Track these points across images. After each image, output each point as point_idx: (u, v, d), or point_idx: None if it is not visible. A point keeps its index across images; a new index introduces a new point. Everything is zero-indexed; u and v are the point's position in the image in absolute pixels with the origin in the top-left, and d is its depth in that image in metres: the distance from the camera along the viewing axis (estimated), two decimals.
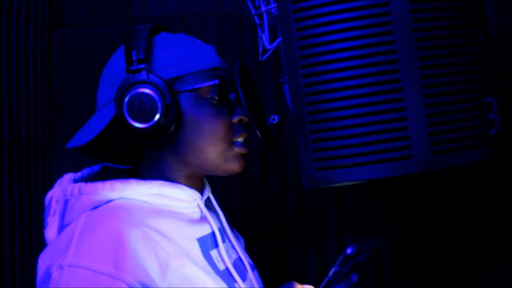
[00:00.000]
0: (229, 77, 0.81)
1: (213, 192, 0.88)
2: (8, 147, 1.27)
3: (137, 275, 0.64)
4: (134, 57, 0.72)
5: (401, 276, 1.46)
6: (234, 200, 1.48)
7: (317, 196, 1.48)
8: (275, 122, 0.81)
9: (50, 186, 0.79)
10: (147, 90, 0.72)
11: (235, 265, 0.81)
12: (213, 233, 0.79)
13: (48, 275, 0.67)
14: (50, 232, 0.74)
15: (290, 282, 0.88)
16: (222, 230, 0.84)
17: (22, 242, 1.32)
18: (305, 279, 1.49)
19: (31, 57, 1.41)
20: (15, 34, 1.33)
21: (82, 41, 1.53)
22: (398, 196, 1.47)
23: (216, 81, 0.76)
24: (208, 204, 0.86)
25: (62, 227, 0.72)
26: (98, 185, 0.73)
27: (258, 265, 0.93)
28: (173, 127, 0.73)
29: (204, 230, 0.78)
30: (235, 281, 0.77)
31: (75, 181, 0.78)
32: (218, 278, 0.74)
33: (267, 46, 0.78)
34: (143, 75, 0.72)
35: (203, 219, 0.80)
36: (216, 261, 0.76)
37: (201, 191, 0.83)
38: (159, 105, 0.72)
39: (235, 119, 0.79)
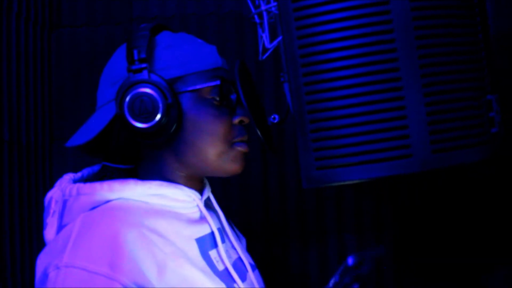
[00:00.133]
0: (230, 77, 0.80)
1: (213, 192, 0.88)
2: (8, 147, 1.27)
3: (133, 276, 0.64)
4: (136, 57, 0.72)
5: (401, 276, 1.46)
6: (234, 200, 1.48)
7: (317, 196, 1.48)
8: (275, 121, 0.81)
9: (50, 186, 0.79)
10: (148, 90, 0.71)
11: (234, 265, 0.80)
12: (212, 233, 0.79)
13: (45, 275, 0.67)
14: (49, 232, 0.74)
15: None
16: (221, 230, 0.84)
17: (22, 242, 1.32)
18: (305, 279, 1.49)
19: (31, 57, 1.41)
20: (15, 34, 1.33)
21: (82, 41, 1.53)
22: (399, 196, 1.47)
23: (218, 82, 0.76)
24: (208, 204, 0.86)
25: (60, 227, 0.72)
26: (96, 185, 0.73)
27: (258, 265, 0.93)
28: (173, 127, 0.73)
29: (203, 230, 0.78)
30: (234, 281, 0.77)
31: (75, 181, 0.78)
32: (217, 279, 0.74)
33: (267, 45, 0.78)
34: (145, 74, 0.72)
35: (202, 219, 0.79)
36: (215, 261, 0.76)
37: (200, 191, 0.83)
38: (160, 105, 0.71)
39: (236, 120, 0.78)
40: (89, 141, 0.76)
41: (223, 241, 0.81)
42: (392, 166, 0.67)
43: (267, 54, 0.80)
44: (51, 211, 0.74)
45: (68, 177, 0.79)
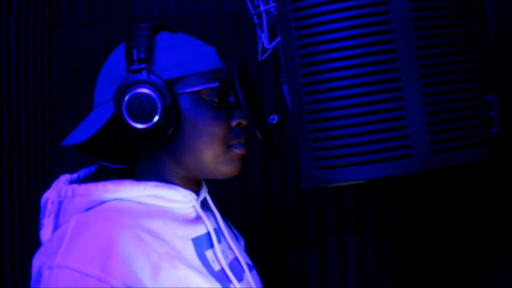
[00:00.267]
0: (229, 79, 0.80)
1: (212, 192, 0.88)
2: (8, 147, 1.27)
3: (125, 278, 0.64)
4: (135, 57, 0.72)
5: (401, 276, 1.46)
6: (234, 200, 1.48)
7: (317, 196, 1.48)
8: (274, 121, 0.81)
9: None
10: (147, 91, 0.71)
11: (231, 265, 0.80)
12: (208, 233, 0.79)
13: (39, 274, 0.67)
14: (45, 233, 0.74)
15: None
16: (218, 230, 0.83)
17: (22, 242, 1.32)
18: (305, 279, 1.49)
19: (31, 57, 1.41)
20: (15, 34, 1.33)
21: (82, 41, 1.53)
22: (399, 196, 1.47)
23: (217, 84, 0.76)
24: (204, 204, 0.86)
25: (56, 228, 0.72)
26: (91, 186, 0.73)
27: (258, 265, 0.93)
28: (172, 128, 0.73)
29: (199, 230, 0.78)
30: (230, 281, 0.77)
31: (71, 182, 0.78)
32: (212, 279, 0.73)
33: (266, 45, 0.78)
34: (144, 75, 0.72)
35: (198, 219, 0.79)
36: (211, 262, 0.76)
37: (197, 191, 0.83)
38: (159, 106, 0.71)
39: (234, 123, 0.78)
40: (86, 140, 0.76)
41: (219, 241, 0.81)
42: (392, 166, 0.67)
43: (266, 55, 0.80)
44: (47, 212, 0.74)
45: (64, 178, 0.78)
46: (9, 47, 1.30)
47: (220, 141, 0.76)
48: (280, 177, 1.49)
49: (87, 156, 0.84)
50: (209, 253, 0.77)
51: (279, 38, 0.73)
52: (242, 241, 0.97)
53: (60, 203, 0.73)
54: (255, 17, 0.81)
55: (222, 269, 0.77)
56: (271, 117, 0.81)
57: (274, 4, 0.75)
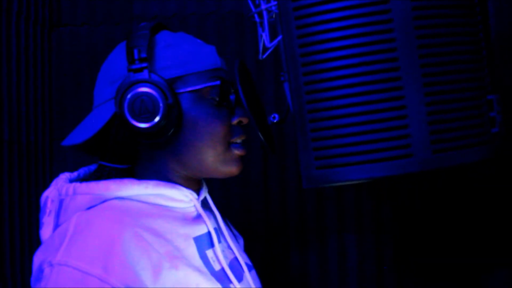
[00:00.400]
0: (230, 77, 0.80)
1: (213, 192, 0.88)
2: (8, 147, 1.27)
3: (126, 278, 0.64)
4: (136, 56, 0.71)
5: (401, 276, 1.46)
6: (234, 200, 1.48)
7: (317, 196, 1.48)
8: (275, 120, 0.80)
9: None
10: (149, 90, 0.71)
11: (231, 265, 0.80)
12: (209, 233, 0.79)
13: (40, 271, 0.67)
14: (46, 232, 0.74)
15: None
16: (218, 230, 0.83)
17: (22, 242, 1.32)
18: (305, 279, 1.49)
19: (31, 56, 1.41)
20: (15, 33, 1.33)
21: (82, 40, 1.53)
22: (399, 196, 1.47)
23: (218, 82, 0.76)
24: (204, 204, 0.85)
25: (57, 227, 0.72)
26: (93, 185, 0.72)
27: (258, 265, 0.93)
28: (173, 127, 0.73)
29: (200, 230, 0.78)
30: (230, 281, 0.77)
31: (71, 180, 0.78)
32: (213, 279, 0.73)
33: (267, 44, 0.78)
34: (145, 74, 0.71)
35: (199, 219, 0.79)
36: (211, 261, 0.76)
37: (198, 191, 0.83)
38: (161, 105, 0.71)
39: (235, 121, 0.78)
40: (86, 140, 0.76)
41: (219, 241, 0.81)
42: (392, 166, 0.66)
43: (267, 53, 0.80)
44: (47, 210, 0.74)
45: (64, 176, 0.78)
46: (9, 46, 1.30)
47: (221, 139, 0.76)
48: (280, 177, 1.49)
49: (87, 156, 0.83)
50: (209, 253, 0.77)
51: (280, 37, 0.73)
52: (241, 241, 0.97)
53: (60, 202, 0.73)
54: (256, 16, 0.81)
55: (222, 269, 0.77)
56: (272, 116, 0.81)
57: (275, 2, 0.75)
